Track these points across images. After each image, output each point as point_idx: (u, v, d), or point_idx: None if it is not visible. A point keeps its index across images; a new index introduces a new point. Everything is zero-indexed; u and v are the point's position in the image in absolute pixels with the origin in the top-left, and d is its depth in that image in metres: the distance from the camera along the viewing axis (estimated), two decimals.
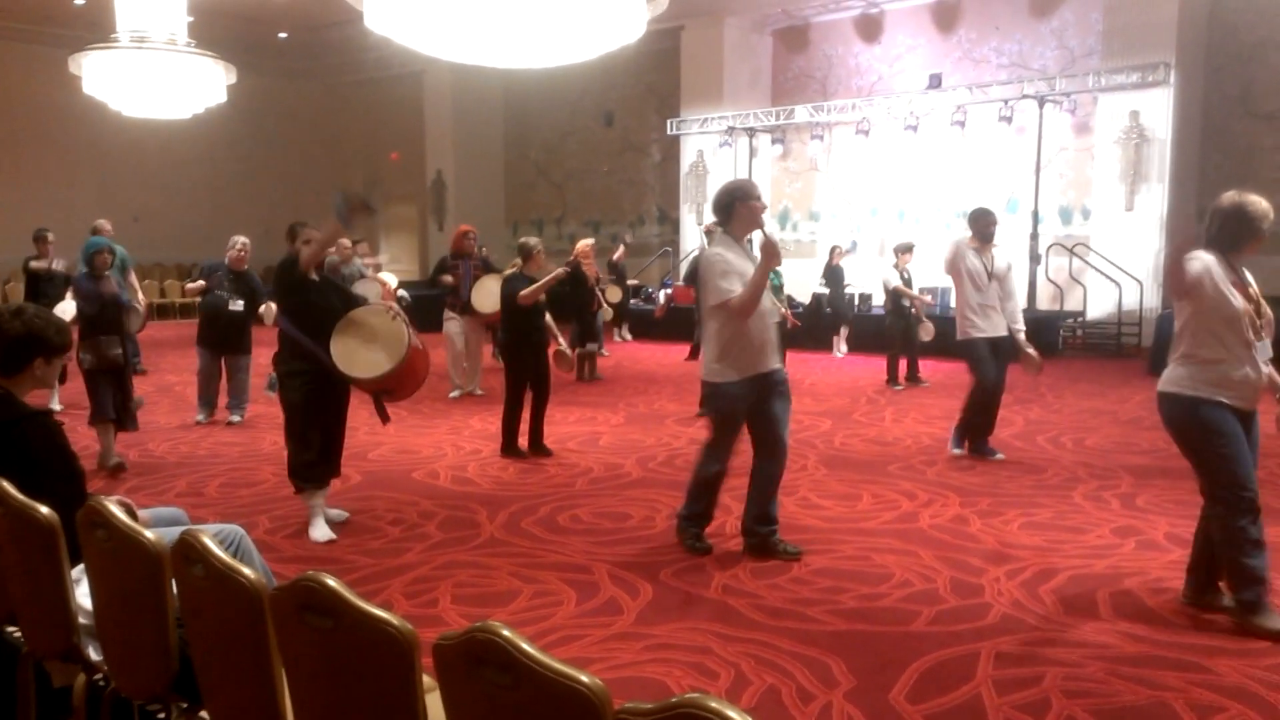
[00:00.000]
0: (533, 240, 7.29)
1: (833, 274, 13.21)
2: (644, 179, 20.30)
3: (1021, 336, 6.85)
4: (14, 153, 19.33)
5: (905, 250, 10.33)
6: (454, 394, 9.79)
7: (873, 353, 12.23)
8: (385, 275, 7.83)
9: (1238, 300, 3.76)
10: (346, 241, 11.63)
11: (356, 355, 4.96)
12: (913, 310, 10.21)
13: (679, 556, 4.74)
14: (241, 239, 8.30)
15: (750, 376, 4.62)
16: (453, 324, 9.68)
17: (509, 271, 7.40)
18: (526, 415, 7.12)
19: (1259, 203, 3.83)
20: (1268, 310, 3.86)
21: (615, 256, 14.48)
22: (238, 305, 8.12)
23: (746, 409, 4.69)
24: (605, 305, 11.72)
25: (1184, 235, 3.88)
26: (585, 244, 11.12)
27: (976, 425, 6.95)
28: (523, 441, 7.14)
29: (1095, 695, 3.24)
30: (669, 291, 15.82)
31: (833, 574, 4.48)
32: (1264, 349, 3.83)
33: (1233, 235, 3.83)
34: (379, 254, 16.80)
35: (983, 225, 6.85)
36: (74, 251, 7.91)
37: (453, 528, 5.26)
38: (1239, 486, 3.74)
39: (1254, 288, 3.87)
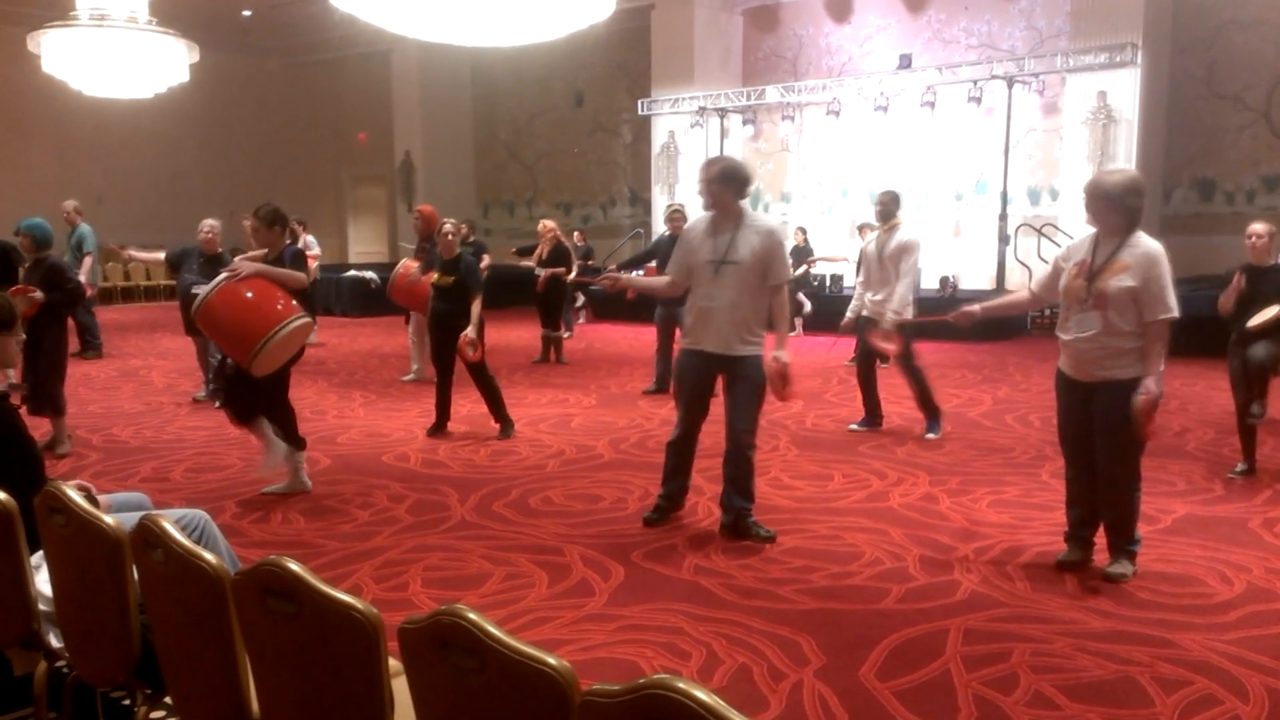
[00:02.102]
0: (443, 221, 7.34)
1: (799, 255, 13.24)
2: (615, 159, 20.18)
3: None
4: None
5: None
6: (407, 377, 9.58)
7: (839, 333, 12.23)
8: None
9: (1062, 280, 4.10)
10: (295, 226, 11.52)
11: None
12: None
13: (651, 538, 4.74)
14: (210, 221, 8.16)
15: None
16: None
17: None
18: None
19: (1106, 178, 4.04)
20: (1100, 284, 3.95)
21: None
22: (201, 289, 8.02)
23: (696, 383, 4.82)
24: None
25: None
26: (545, 224, 11.19)
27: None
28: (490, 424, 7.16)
29: (1062, 671, 3.28)
30: (641, 273, 15.75)
31: (804, 553, 4.49)
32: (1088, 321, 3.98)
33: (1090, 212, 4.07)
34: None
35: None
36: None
37: (423, 511, 5.22)
38: None
39: (1108, 262, 3.95)
